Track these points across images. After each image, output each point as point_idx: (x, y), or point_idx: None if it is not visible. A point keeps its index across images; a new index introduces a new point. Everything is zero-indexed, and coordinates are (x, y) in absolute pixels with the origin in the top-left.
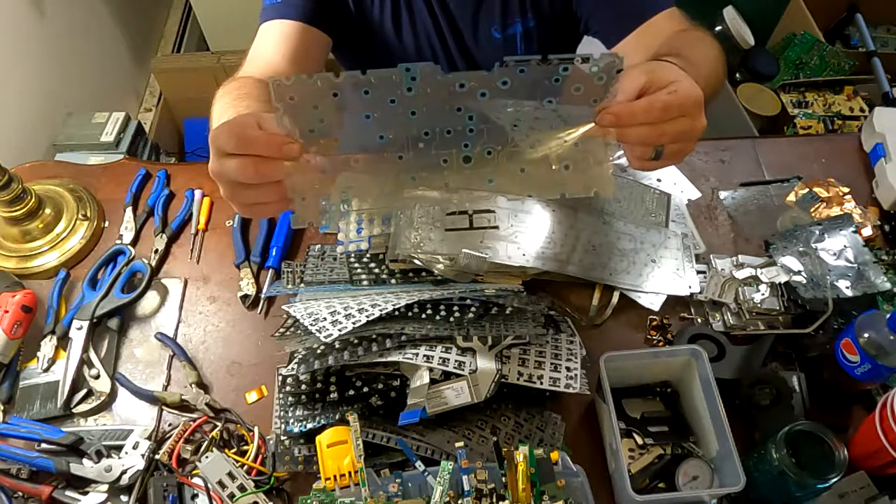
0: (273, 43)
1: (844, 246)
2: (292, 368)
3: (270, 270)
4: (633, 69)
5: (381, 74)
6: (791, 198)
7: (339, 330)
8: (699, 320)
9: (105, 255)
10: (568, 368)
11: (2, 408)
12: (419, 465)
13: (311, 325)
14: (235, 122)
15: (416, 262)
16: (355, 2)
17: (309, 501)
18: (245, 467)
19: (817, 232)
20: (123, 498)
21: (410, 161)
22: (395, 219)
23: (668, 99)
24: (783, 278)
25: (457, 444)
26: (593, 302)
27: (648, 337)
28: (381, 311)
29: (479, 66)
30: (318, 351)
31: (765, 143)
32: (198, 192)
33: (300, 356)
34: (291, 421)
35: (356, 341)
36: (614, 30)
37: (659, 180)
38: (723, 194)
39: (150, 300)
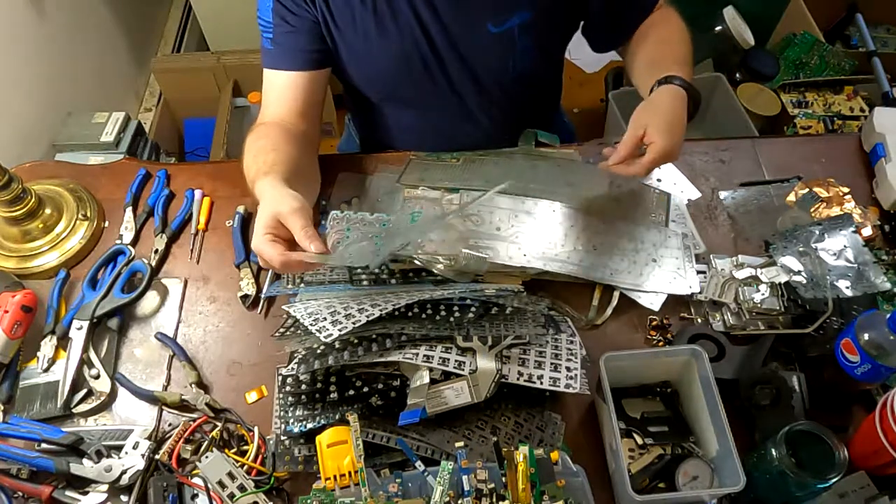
0: (277, 94)
1: (844, 246)
2: (292, 368)
3: (270, 270)
4: (632, 129)
5: None
6: (791, 198)
7: (339, 330)
8: (699, 320)
9: (105, 255)
10: (568, 368)
11: (2, 408)
12: (419, 465)
13: (311, 325)
14: (284, 257)
15: (416, 262)
16: (335, 19)
17: (309, 501)
18: (245, 467)
19: (817, 232)
20: (123, 498)
21: None
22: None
23: (649, 164)
24: (783, 278)
25: (457, 444)
26: (593, 302)
27: (648, 337)
28: (381, 311)
29: (471, 64)
30: (318, 351)
31: (765, 143)
32: (198, 192)
33: (300, 356)
34: (291, 421)
35: (356, 341)
36: (623, 33)
37: (659, 180)
38: (723, 194)
39: (150, 300)
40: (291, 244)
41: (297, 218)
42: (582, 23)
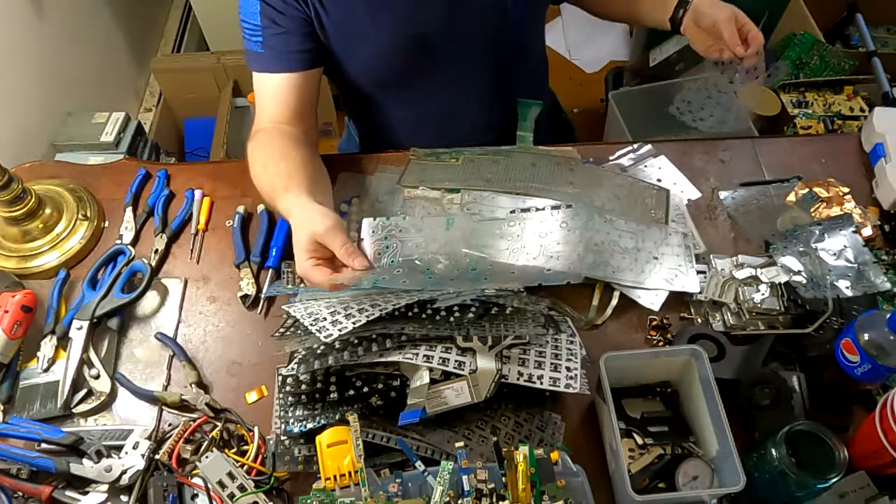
0: (272, 97)
1: (844, 246)
2: (292, 368)
3: (270, 270)
4: (729, 25)
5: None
6: (791, 198)
7: (339, 330)
8: (699, 320)
9: (105, 255)
10: (568, 368)
11: (2, 408)
12: (419, 465)
13: (311, 325)
14: (333, 279)
15: (417, 262)
16: (328, 11)
17: (309, 501)
18: (245, 467)
19: (817, 232)
20: (123, 498)
21: None
22: (396, 219)
23: (758, 34)
24: (783, 278)
25: (457, 444)
26: (593, 302)
27: (648, 337)
28: (381, 311)
29: (467, 40)
30: (318, 351)
31: (765, 143)
32: (198, 192)
33: (300, 356)
34: (291, 421)
35: (356, 341)
36: None
37: (659, 180)
38: (723, 194)
39: (150, 300)
40: (332, 259)
41: (335, 236)
42: None
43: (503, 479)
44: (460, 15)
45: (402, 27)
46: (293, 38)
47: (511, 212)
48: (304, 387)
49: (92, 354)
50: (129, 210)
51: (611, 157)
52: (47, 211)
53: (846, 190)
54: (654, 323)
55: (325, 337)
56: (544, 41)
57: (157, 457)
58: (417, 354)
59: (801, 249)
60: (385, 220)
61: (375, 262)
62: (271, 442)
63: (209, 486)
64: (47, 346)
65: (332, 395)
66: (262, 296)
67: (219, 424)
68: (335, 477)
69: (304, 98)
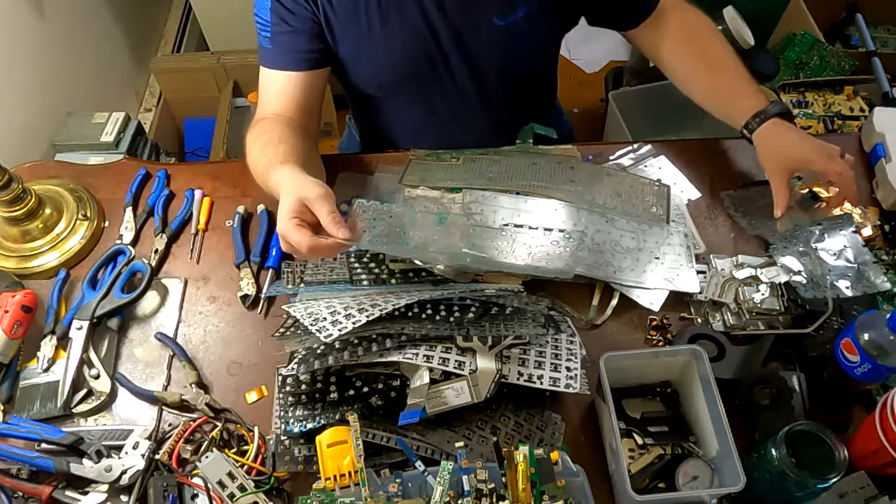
0: (276, 92)
1: (844, 246)
2: (292, 368)
3: (270, 270)
4: (780, 179)
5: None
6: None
7: (339, 330)
8: (699, 320)
9: (105, 255)
10: (568, 368)
11: (2, 408)
12: (419, 465)
13: (311, 325)
14: (313, 242)
15: (417, 262)
16: (337, 16)
17: (309, 501)
18: (245, 467)
19: (817, 232)
20: (123, 498)
21: None
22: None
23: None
24: (783, 278)
25: (457, 444)
26: (593, 302)
27: (648, 337)
28: (381, 311)
29: (475, 58)
30: (318, 351)
31: None
32: (198, 192)
33: (300, 356)
34: (291, 421)
35: (356, 341)
36: (626, 22)
37: (659, 180)
38: (723, 194)
39: (150, 300)
40: (316, 229)
41: (324, 203)
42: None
43: (503, 479)
44: (470, 31)
45: (411, 39)
46: (301, 38)
47: (504, 225)
48: (304, 387)
49: (92, 354)
50: (129, 210)
51: (611, 157)
52: (47, 211)
53: None
54: (654, 323)
55: (325, 337)
56: (556, 64)
57: (157, 457)
58: (417, 354)
59: (801, 249)
60: (378, 204)
61: (358, 239)
62: (271, 442)
63: (209, 486)
64: (47, 346)
65: (332, 395)
66: (262, 296)
67: (219, 424)
68: (335, 477)
69: (308, 96)
